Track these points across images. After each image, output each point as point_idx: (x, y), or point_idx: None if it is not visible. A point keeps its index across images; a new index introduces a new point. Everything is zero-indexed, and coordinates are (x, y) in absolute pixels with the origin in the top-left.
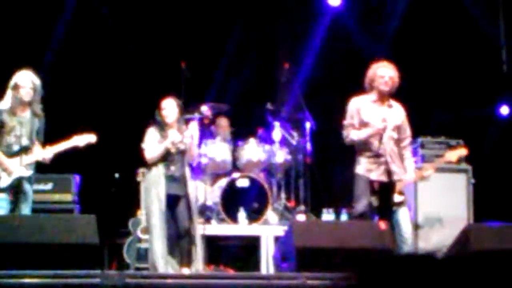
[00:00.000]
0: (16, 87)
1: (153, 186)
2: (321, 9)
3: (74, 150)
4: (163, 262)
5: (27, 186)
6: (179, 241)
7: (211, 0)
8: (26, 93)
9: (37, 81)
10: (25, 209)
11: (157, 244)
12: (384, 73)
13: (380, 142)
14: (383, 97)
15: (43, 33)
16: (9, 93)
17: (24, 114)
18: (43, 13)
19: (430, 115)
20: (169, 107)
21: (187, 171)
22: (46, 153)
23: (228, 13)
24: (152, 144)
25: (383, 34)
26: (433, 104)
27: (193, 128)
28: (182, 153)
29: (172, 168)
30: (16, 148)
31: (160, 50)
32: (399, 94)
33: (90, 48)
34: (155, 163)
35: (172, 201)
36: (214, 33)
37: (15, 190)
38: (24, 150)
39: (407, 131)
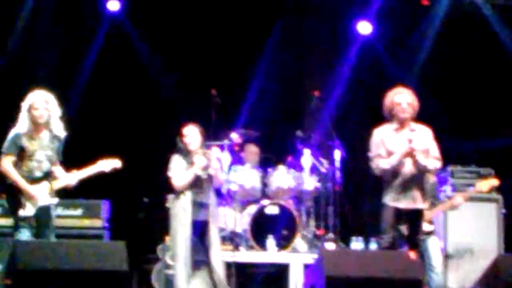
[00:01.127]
0: (30, 109)
1: (181, 213)
2: (352, 37)
3: (102, 176)
4: None
5: (52, 213)
6: (202, 268)
7: (241, 28)
8: (40, 115)
9: (52, 100)
10: (51, 236)
11: (181, 271)
12: (400, 99)
13: (406, 168)
14: (404, 123)
15: (75, 59)
16: (24, 115)
17: (42, 135)
18: (75, 39)
19: (460, 144)
20: (191, 134)
21: (212, 197)
22: (71, 179)
23: (258, 40)
24: (180, 171)
25: (412, 61)
26: (463, 132)
27: (218, 153)
28: (209, 179)
29: (200, 194)
30: (38, 173)
31: (191, 77)
32: (428, 121)
33: (120, 74)
34: (183, 190)
35: (201, 228)
36: (244, 60)
37: (40, 217)
38: (47, 175)
39: (436, 153)
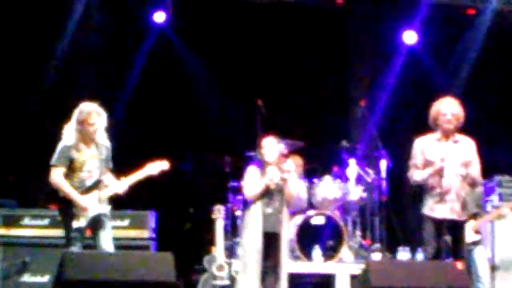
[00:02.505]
0: (83, 123)
1: (251, 223)
2: (397, 46)
3: (149, 186)
4: None
5: (105, 221)
6: (268, 278)
7: (285, 38)
8: (94, 129)
9: (103, 114)
10: (107, 245)
11: (252, 282)
12: (446, 110)
13: (442, 180)
14: (447, 134)
15: (121, 70)
16: (72, 127)
17: (90, 146)
18: (121, 50)
19: (507, 153)
20: (269, 146)
21: (285, 209)
22: (121, 186)
23: (303, 50)
24: (252, 181)
25: (458, 70)
26: (511, 141)
27: (291, 165)
28: (280, 191)
29: (271, 205)
30: (89, 183)
31: (237, 88)
32: (474, 131)
33: (165, 84)
34: (254, 201)
35: (269, 239)
36: (290, 71)
37: (93, 227)
38: (98, 184)
39: (477, 167)
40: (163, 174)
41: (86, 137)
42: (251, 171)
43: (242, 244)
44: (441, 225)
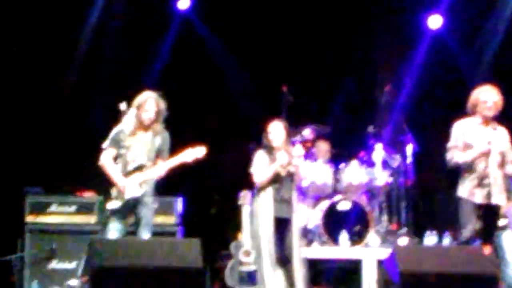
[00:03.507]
0: (139, 108)
1: (262, 210)
2: (422, 31)
3: (175, 173)
4: (272, 286)
5: (144, 206)
6: (283, 264)
7: (311, 23)
8: (148, 116)
9: (162, 104)
10: (143, 231)
11: (266, 268)
12: (486, 97)
13: (485, 164)
14: (487, 120)
15: (148, 54)
16: (132, 112)
17: (146, 133)
18: (146, 38)
19: None
20: (276, 131)
21: (294, 195)
22: (159, 170)
23: (328, 36)
24: (261, 167)
25: (484, 54)
26: None
27: (299, 150)
28: (290, 176)
29: (281, 191)
30: (132, 166)
31: (262, 74)
32: (502, 116)
33: (191, 72)
34: (264, 187)
35: (280, 224)
36: (315, 57)
37: (130, 211)
38: (139, 168)
39: (510, 154)
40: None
41: (141, 123)
42: (259, 157)
43: (254, 231)
44: (477, 208)
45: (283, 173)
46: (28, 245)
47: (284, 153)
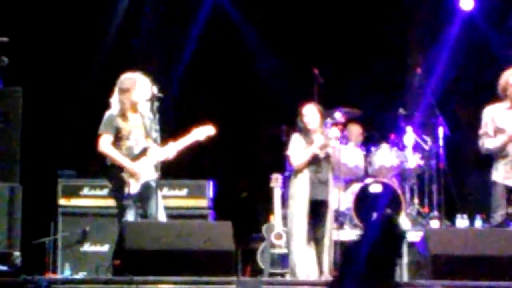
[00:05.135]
0: (125, 92)
1: (298, 192)
2: (453, 13)
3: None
4: (303, 269)
5: (154, 188)
6: (315, 246)
7: (342, 6)
8: (137, 98)
9: (146, 83)
10: (158, 212)
11: (299, 250)
12: None
13: None
14: None
15: (177, 37)
16: (117, 97)
17: (135, 115)
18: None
19: None
20: (310, 113)
21: (331, 176)
22: (169, 151)
23: (358, 18)
24: (298, 150)
25: None
26: None
27: (335, 132)
28: (327, 158)
29: (318, 173)
30: (137, 150)
31: (293, 56)
32: None
33: (221, 54)
34: (300, 169)
35: (316, 207)
36: (346, 38)
37: (144, 193)
38: (145, 151)
39: None
40: (221, 142)
41: (130, 106)
42: (295, 140)
43: (289, 213)
44: (510, 192)
45: (321, 154)
46: (61, 228)
47: (320, 135)
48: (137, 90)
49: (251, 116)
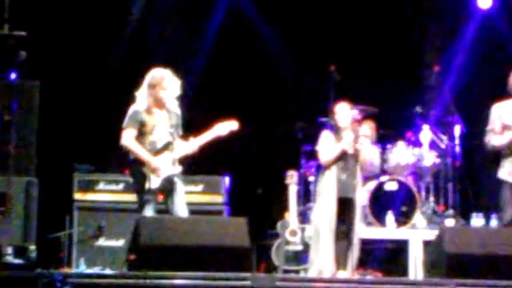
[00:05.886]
0: (154, 87)
1: (326, 189)
2: (471, 11)
3: (222, 148)
4: (332, 266)
5: (178, 184)
6: (340, 244)
7: (358, 3)
8: (165, 94)
9: (175, 80)
10: (181, 208)
11: (327, 248)
12: None
13: None
14: None
15: (196, 34)
16: (145, 92)
17: (162, 111)
18: (194, 17)
19: None
20: (342, 111)
21: (359, 175)
22: (191, 146)
23: (375, 16)
24: (328, 146)
25: None
26: None
27: (367, 130)
28: (355, 156)
29: (346, 171)
30: (159, 145)
31: (309, 53)
32: None
33: (238, 50)
34: (329, 166)
35: (343, 204)
36: (363, 36)
37: (165, 190)
38: (168, 146)
39: None
40: (237, 139)
41: (157, 102)
42: (325, 136)
43: (316, 210)
44: None
45: (350, 151)
46: (76, 222)
47: (350, 132)
48: (164, 86)
49: (267, 112)
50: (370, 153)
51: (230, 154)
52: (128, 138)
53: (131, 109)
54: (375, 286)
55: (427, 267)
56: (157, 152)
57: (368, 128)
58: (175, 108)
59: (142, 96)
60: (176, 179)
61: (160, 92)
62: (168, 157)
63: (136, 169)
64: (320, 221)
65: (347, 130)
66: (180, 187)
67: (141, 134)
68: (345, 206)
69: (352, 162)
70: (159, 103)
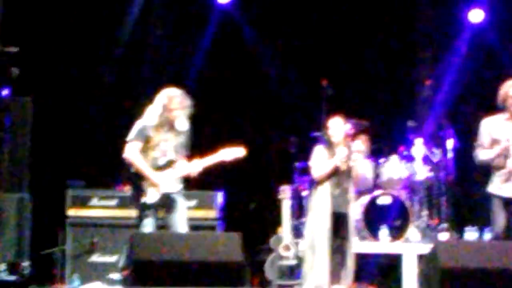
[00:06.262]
0: (167, 106)
1: (319, 204)
2: (462, 25)
3: (219, 166)
4: (327, 281)
5: (178, 201)
6: (335, 258)
7: (351, 18)
8: (175, 115)
9: (188, 102)
10: (181, 226)
11: (323, 263)
12: None
13: (507, 159)
14: None
15: (186, 52)
16: (155, 109)
17: (170, 130)
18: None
19: None
20: (336, 126)
21: (352, 190)
22: (193, 167)
23: (367, 30)
24: (321, 162)
25: None
26: None
27: (360, 145)
28: (348, 172)
29: (339, 186)
30: (162, 162)
31: (301, 68)
32: None
33: (230, 65)
34: (322, 181)
35: (337, 219)
36: (354, 50)
37: (165, 206)
38: (170, 164)
39: None
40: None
41: (167, 121)
42: (319, 152)
43: (309, 225)
44: (508, 204)
45: (343, 167)
46: (69, 238)
47: (343, 148)
48: (177, 106)
49: (260, 127)
50: (363, 168)
51: (223, 169)
52: (132, 151)
53: (140, 123)
54: None
55: (421, 280)
56: (158, 168)
57: (361, 143)
58: (185, 127)
59: (153, 113)
60: (176, 197)
61: (172, 112)
62: (170, 175)
63: (135, 182)
64: (315, 236)
65: (340, 145)
66: (182, 205)
67: (145, 149)
68: (338, 221)
69: (345, 178)
70: (169, 123)
